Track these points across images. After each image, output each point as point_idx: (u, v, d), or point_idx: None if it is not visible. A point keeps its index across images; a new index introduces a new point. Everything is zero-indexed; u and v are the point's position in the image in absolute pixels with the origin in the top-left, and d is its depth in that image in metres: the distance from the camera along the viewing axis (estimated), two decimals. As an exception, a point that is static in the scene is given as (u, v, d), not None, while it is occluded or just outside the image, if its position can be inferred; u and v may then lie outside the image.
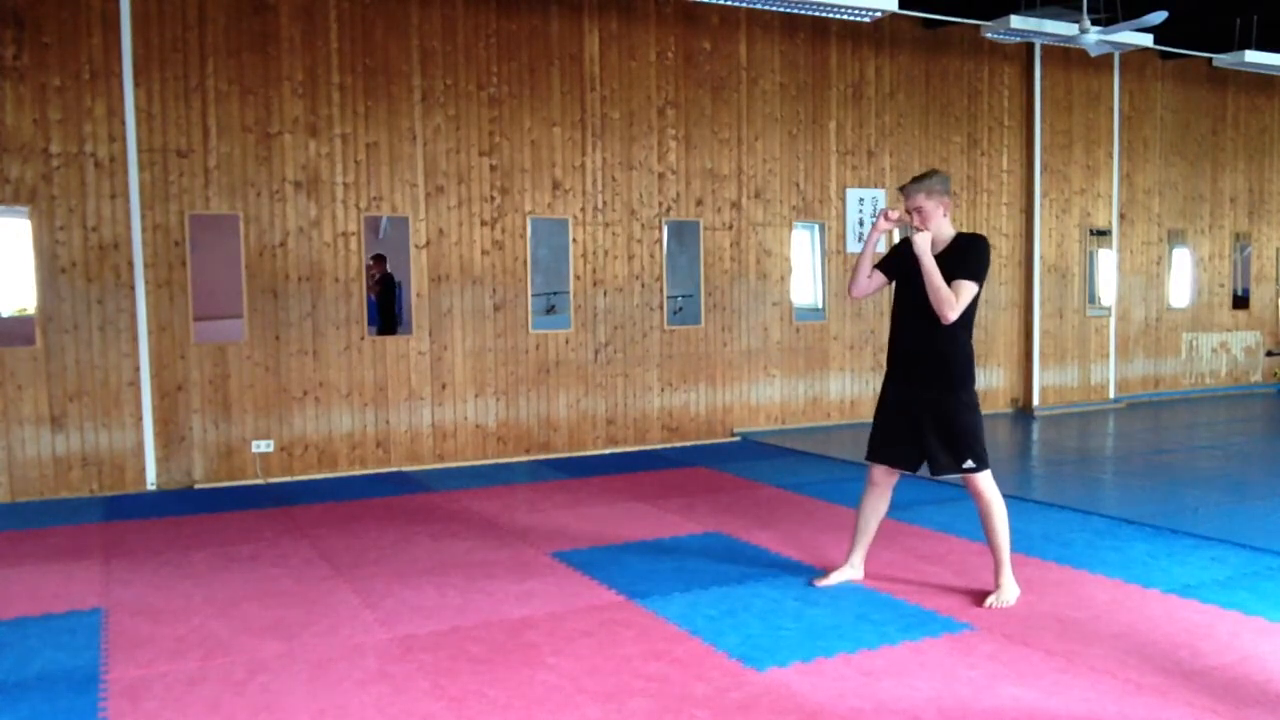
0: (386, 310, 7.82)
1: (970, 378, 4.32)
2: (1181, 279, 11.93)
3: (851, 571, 4.65)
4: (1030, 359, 10.69)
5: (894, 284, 4.47)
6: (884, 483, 4.55)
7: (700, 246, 8.95)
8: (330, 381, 7.64)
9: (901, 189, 4.39)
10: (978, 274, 4.19)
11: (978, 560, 4.92)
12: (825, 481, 7.07)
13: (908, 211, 4.33)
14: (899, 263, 4.38)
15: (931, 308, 4.17)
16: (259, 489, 7.17)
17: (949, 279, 4.15)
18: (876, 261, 4.51)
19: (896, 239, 4.51)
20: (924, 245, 4.21)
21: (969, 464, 4.24)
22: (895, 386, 4.44)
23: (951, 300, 4.13)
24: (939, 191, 4.26)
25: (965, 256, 4.22)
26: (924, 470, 4.42)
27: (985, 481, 4.28)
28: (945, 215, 4.30)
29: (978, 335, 10.20)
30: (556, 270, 8.41)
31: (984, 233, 10.28)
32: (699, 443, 8.95)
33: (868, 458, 4.54)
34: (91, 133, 6.90)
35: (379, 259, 7.78)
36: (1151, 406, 11.10)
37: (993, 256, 10.36)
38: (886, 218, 4.34)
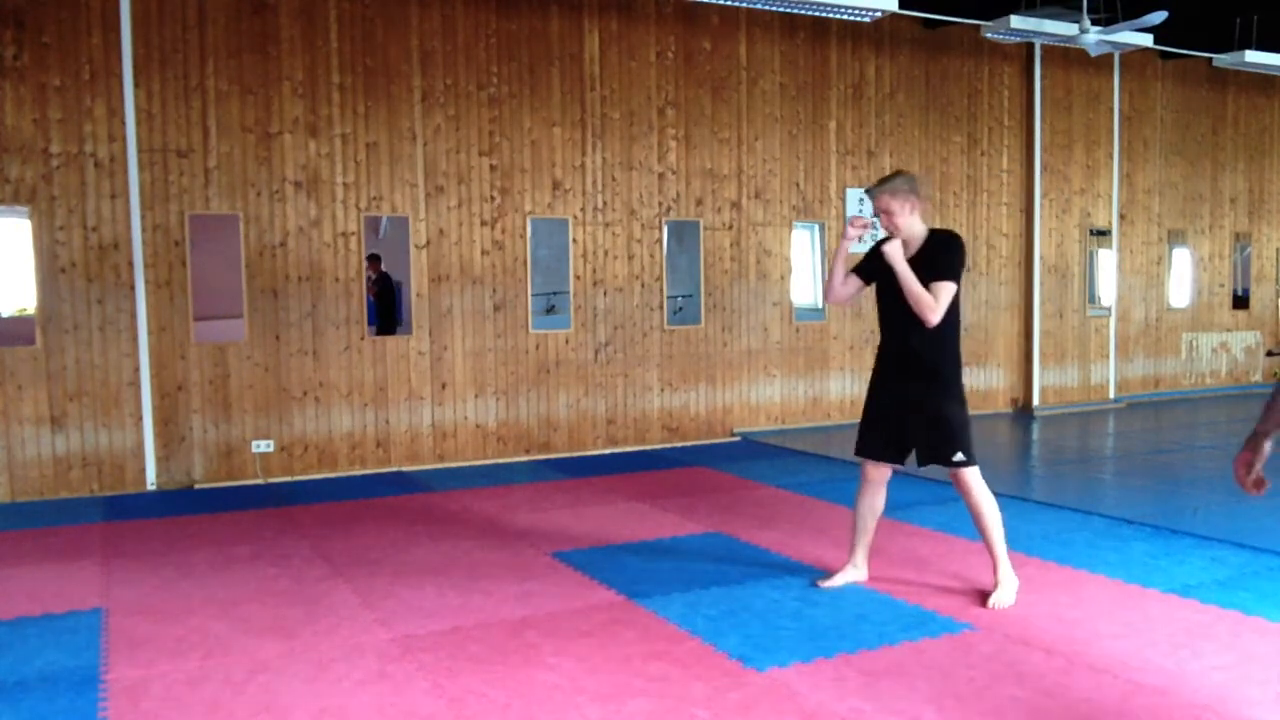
0: (385, 310, 7.81)
1: (958, 373, 4.32)
2: (1181, 279, 11.93)
3: (856, 573, 4.63)
4: (1030, 359, 10.69)
5: (874, 286, 4.44)
6: (877, 478, 4.53)
7: (700, 246, 8.95)
8: (330, 381, 7.64)
9: (867, 191, 4.35)
10: (954, 273, 4.18)
11: (978, 560, 4.92)
12: (825, 481, 7.06)
13: (875, 214, 4.30)
14: (877, 265, 4.35)
15: (914, 309, 4.16)
16: (259, 489, 7.17)
17: (925, 281, 4.13)
18: (853, 265, 4.48)
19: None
20: (895, 253, 4.18)
21: (959, 456, 4.23)
22: (883, 383, 4.44)
23: (931, 304, 4.12)
24: (904, 191, 4.22)
25: (939, 257, 4.19)
26: (923, 470, 4.41)
27: (974, 478, 4.27)
28: (914, 213, 4.26)
29: (978, 336, 10.29)
30: (556, 270, 8.41)
31: (983, 232, 10.33)
32: (699, 443, 8.95)
33: (857, 453, 4.53)
34: (91, 133, 6.90)
35: (373, 259, 7.75)
36: (1151, 406, 11.10)
37: (993, 256, 10.46)
38: (854, 225, 4.32)
